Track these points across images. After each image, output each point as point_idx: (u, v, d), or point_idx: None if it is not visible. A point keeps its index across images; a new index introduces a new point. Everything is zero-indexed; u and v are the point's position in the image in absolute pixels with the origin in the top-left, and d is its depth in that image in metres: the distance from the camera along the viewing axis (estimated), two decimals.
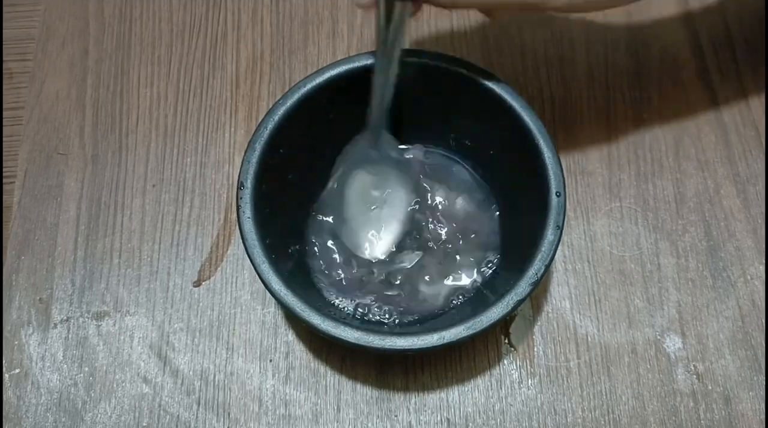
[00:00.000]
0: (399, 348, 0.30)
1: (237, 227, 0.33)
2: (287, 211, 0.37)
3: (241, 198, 0.33)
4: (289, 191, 0.37)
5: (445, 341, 0.30)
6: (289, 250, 0.37)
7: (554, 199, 0.32)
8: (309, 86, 0.35)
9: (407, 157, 0.40)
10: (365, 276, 0.37)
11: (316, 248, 0.38)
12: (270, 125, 0.34)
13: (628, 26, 0.46)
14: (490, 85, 0.35)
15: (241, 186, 0.33)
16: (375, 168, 0.38)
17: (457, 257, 0.38)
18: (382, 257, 0.37)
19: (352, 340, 0.30)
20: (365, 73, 0.35)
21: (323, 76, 0.35)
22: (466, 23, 0.46)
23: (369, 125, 0.36)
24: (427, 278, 0.37)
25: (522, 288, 0.31)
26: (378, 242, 0.38)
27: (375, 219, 0.38)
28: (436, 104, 0.37)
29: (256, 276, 0.32)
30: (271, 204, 0.34)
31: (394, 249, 0.37)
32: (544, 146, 0.33)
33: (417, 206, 0.38)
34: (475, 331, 0.30)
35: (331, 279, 0.37)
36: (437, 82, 0.36)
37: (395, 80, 0.34)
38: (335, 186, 0.38)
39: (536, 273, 0.31)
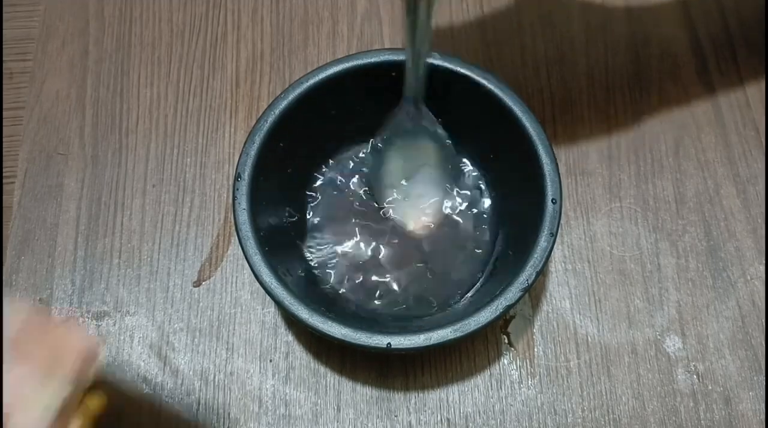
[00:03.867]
0: (385, 347, 0.30)
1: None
2: (284, 204, 0.37)
3: (237, 189, 0.33)
4: (288, 185, 0.37)
5: (432, 342, 0.30)
6: (285, 243, 0.37)
7: (550, 206, 0.32)
8: (311, 82, 0.35)
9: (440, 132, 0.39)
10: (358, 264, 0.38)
11: (312, 242, 0.38)
12: (270, 118, 0.34)
13: (628, 26, 0.46)
14: (490, 87, 0.35)
15: (238, 177, 0.33)
16: (412, 140, 0.38)
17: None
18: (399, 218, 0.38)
19: (339, 336, 0.30)
20: (367, 70, 0.35)
21: (325, 73, 0.35)
22: (466, 22, 0.46)
23: (404, 98, 0.35)
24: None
25: (512, 293, 0.31)
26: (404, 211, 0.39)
27: (404, 191, 0.38)
28: (435, 106, 0.37)
29: None
30: (268, 197, 0.34)
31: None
32: (543, 152, 0.33)
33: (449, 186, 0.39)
34: (462, 334, 0.30)
35: (326, 272, 0.37)
36: (436, 83, 0.36)
37: (428, 49, 0.33)
38: (378, 146, 0.38)
39: (527, 280, 0.31)
